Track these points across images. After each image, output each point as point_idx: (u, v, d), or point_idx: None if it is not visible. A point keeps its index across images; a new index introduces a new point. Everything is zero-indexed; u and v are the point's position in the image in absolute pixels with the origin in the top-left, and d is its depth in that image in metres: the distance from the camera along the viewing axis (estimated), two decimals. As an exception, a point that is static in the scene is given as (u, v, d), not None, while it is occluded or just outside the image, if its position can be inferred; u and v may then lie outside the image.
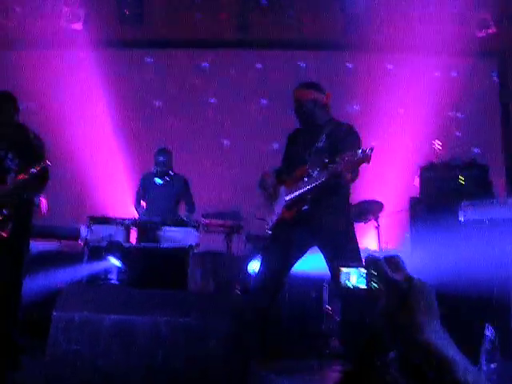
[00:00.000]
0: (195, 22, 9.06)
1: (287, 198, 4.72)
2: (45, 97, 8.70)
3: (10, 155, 4.66)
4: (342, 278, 1.86)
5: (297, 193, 4.63)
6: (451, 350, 1.54)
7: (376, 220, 6.65)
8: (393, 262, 1.66)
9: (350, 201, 4.85)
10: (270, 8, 9.03)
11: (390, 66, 9.27)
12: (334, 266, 4.52)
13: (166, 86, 9.25)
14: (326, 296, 6.12)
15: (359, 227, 7.53)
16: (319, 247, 4.66)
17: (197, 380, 2.87)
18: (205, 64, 9.37)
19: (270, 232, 4.82)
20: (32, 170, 4.58)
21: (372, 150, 4.17)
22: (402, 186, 6.94)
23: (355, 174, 4.42)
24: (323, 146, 4.74)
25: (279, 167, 5.06)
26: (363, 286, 1.76)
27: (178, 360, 2.96)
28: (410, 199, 6.20)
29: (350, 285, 1.83)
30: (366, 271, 1.75)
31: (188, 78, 9.25)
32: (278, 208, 4.79)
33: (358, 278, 1.79)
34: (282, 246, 4.66)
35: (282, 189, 4.82)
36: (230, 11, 9.13)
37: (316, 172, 4.65)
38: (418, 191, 6.22)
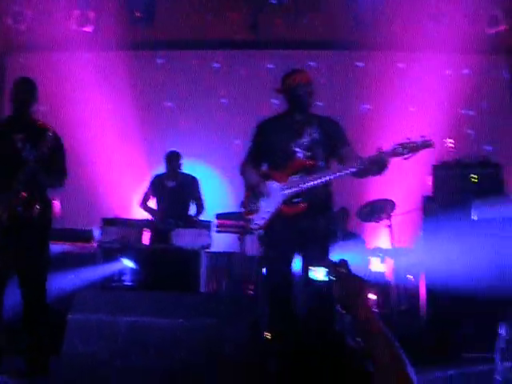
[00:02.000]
0: (206, 23, 9.06)
1: (286, 192, 4.56)
2: (56, 100, 8.73)
3: (27, 146, 4.68)
4: (311, 274, 2.52)
5: (308, 186, 4.50)
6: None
7: (388, 219, 6.65)
8: (342, 264, 2.25)
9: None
10: (281, 8, 9.02)
11: (401, 65, 9.24)
12: (308, 264, 4.53)
13: (177, 87, 9.26)
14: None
15: (372, 226, 7.54)
16: (303, 242, 4.59)
17: (213, 382, 2.88)
18: (216, 64, 9.39)
19: (261, 231, 4.67)
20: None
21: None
22: (415, 184, 6.94)
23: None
24: (320, 139, 4.66)
25: (251, 160, 4.85)
26: (326, 279, 2.29)
27: (196, 362, 2.97)
28: (423, 198, 6.18)
29: (316, 278, 2.41)
30: (328, 269, 2.29)
31: (199, 78, 9.26)
32: (271, 205, 4.61)
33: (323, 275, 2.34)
34: (290, 242, 4.56)
35: (273, 183, 4.63)
36: (240, 11, 9.12)
37: (321, 163, 4.62)
38: (431, 190, 6.20)
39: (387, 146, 4.42)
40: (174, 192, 7.35)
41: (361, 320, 2.08)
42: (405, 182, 7.26)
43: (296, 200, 4.57)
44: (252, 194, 4.71)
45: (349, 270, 2.19)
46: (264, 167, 4.86)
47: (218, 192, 8.03)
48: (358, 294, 2.10)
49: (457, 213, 5.43)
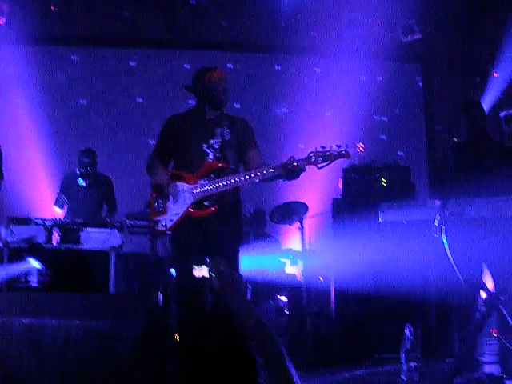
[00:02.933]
0: (123, 21, 8.94)
1: (196, 194, 4.48)
2: (-36, 93, 8.45)
3: None
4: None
5: (219, 189, 4.42)
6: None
7: (300, 221, 6.69)
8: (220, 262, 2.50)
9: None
10: (199, 8, 8.98)
11: (317, 70, 9.35)
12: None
13: (92, 85, 9.07)
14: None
15: (284, 229, 7.59)
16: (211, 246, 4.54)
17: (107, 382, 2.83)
18: (132, 63, 9.25)
19: (169, 232, 4.61)
20: None
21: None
22: (327, 187, 7.02)
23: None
24: (231, 140, 4.60)
25: (158, 155, 4.76)
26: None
27: (90, 364, 2.91)
28: (333, 201, 6.27)
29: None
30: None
31: (115, 76, 9.11)
32: (179, 207, 4.54)
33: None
34: (198, 246, 4.49)
35: (182, 185, 4.56)
36: (158, 11, 9.03)
37: (233, 167, 4.57)
38: (341, 193, 6.29)
39: (303, 150, 4.41)
40: (87, 191, 7.21)
41: (236, 312, 2.19)
42: (317, 185, 7.35)
43: (206, 203, 4.49)
44: (159, 195, 4.62)
45: (226, 268, 2.29)
46: (171, 163, 4.77)
47: (131, 193, 7.90)
48: (234, 290, 2.27)
49: (365, 215, 5.51)
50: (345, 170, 6.14)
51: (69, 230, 6.40)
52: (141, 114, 9.04)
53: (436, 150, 9.15)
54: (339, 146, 4.31)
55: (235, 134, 4.62)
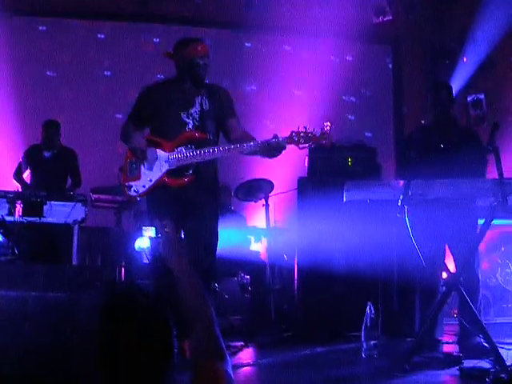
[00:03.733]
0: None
1: (172, 162, 4.42)
2: None
3: None
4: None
5: (195, 158, 4.36)
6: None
7: (266, 199, 6.69)
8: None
9: None
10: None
11: (287, 48, 9.33)
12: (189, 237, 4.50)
13: (60, 57, 8.92)
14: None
15: (249, 206, 7.58)
16: (185, 215, 4.49)
17: (65, 355, 2.81)
18: (101, 35, 9.12)
19: (139, 198, 4.58)
20: None
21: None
22: (293, 165, 7.01)
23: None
24: (210, 110, 4.56)
25: (133, 122, 4.65)
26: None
27: (46, 336, 2.88)
28: (298, 179, 6.27)
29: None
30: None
31: (83, 49, 8.95)
32: (153, 173, 4.47)
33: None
34: (172, 215, 4.37)
35: (159, 151, 4.48)
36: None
37: (211, 137, 4.52)
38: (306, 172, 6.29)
39: (271, 129, 4.38)
40: (50, 163, 7.12)
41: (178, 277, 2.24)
42: (283, 163, 7.32)
43: (182, 173, 4.44)
44: (135, 159, 4.53)
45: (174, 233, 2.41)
46: (146, 132, 4.68)
47: (96, 166, 7.82)
48: (179, 254, 2.27)
49: (330, 194, 5.53)
50: (311, 149, 6.13)
51: (32, 203, 6.33)
52: (108, 87, 8.93)
53: (403, 131, 9.19)
54: (322, 129, 4.27)
55: (214, 103, 4.57)
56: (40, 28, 9.06)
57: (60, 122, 7.26)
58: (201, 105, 4.54)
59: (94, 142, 8.40)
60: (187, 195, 4.46)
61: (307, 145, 4.32)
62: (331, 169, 6.17)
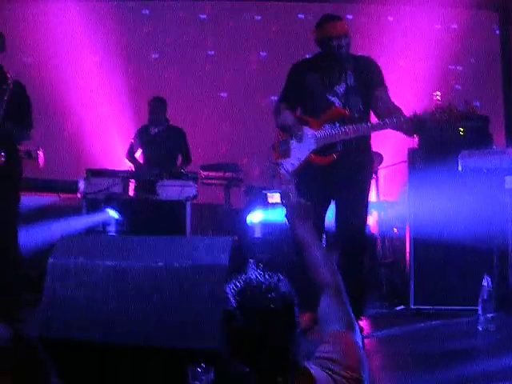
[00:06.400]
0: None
1: (319, 140, 4.44)
2: (41, 51, 8.59)
3: None
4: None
5: (341, 136, 4.36)
6: None
7: (375, 172, 6.60)
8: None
9: None
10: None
11: (390, 18, 9.14)
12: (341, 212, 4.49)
13: (163, 39, 9.10)
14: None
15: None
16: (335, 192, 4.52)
17: (191, 324, 2.87)
18: (203, 16, 9.22)
19: (289, 177, 4.57)
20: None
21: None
22: (402, 137, 6.88)
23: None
24: (355, 85, 4.50)
25: (285, 101, 4.69)
26: None
27: (174, 307, 2.95)
28: (409, 150, 6.14)
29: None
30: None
31: (185, 30, 9.09)
32: (302, 151, 4.52)
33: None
34: (320, 194, 4.42)
35: (307, 129, 4.52)
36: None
37: (357, 114, 4.48)
38: (417, 142, 6.15)
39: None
40: (157, 139, 7.23)
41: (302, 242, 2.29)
42: (392, 135, 7.23)
43: (328, 150, 4.46)
44: (286, 137, 4.58)
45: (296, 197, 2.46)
46: (298, 111, 4.71)
47: (203, 144, 7.95)
48: (304, 219, 2.29)
49: (443, 164, 5.40)
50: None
51: (145, 181, 6.50)
52: (212, 66, 9.03)
53: (513, 99, 8.85)
54: (467, 103, 4.14)
55: (360, 77, 4.53)
56: (143, 11, 9.26)
57: (164, 99, 7.39)
58: (345, 81, 4.50)
59: (200, 120, 8.52)
60: (336, 172, 4.48)
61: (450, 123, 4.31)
62: (442, 138, 6.00)
